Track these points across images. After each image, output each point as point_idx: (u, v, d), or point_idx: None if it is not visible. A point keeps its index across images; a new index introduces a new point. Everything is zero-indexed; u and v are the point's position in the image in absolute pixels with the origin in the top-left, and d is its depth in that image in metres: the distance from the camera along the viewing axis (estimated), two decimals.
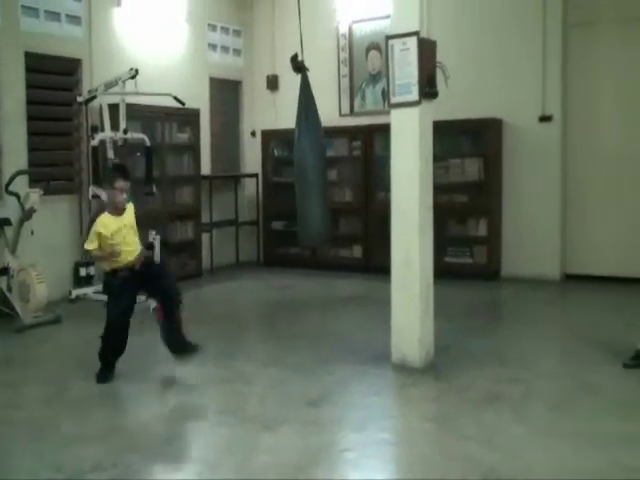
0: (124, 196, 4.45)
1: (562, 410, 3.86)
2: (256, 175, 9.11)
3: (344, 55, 8.80)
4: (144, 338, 4.97)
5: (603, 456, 3.24)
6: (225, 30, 9.05)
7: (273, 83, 9.17)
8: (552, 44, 7.43)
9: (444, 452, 3.37)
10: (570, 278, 7.52)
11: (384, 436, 3.58)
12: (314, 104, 5.93)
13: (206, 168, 8.59)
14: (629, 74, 7.17)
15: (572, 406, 3.91)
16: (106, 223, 4.44)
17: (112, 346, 4.44)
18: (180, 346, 4.44)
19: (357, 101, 8.78)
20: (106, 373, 4.43)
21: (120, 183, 4.43)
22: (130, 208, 4.56)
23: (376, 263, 7.72)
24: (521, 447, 3.38)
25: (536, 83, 7.48)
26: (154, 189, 7.00)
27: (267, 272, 8.56)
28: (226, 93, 9.27)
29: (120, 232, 4.44)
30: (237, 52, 9.32)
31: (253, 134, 9.37)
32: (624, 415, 3.76)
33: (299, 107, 5.85)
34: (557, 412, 3.83)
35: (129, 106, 6.89)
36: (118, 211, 4.48)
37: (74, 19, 7.11)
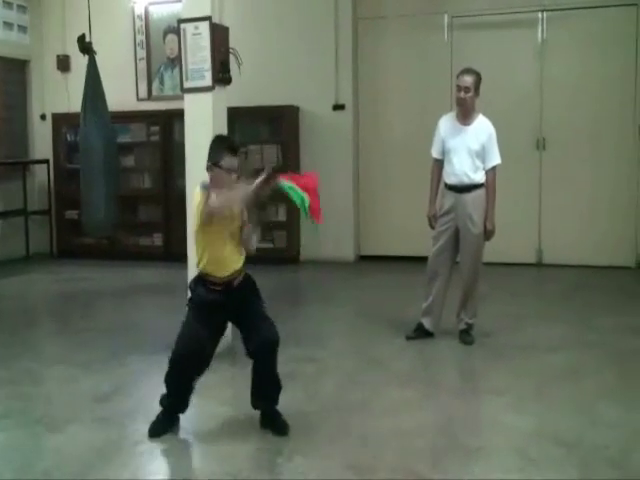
0: (234, 178, 3.23)
1: (350, 384, 4.08)
2: (47, 161, 8.57)
3: (140, 37, 8.52)
4: None
5: (383, 423, 3.48)
6: (8, 5, 8.39)
7: (64, 64, 8.65)
8: (343, 36, 7.75)
9: (237, 435, 3.40)
10: (363, 259, 7.96)
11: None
12: (101, 87, 5.70)
13: None
14: (413, 64, 7.68)
15: (359, 379, 4.16)
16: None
17: (170, 389, 3.39)
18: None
19: (155, 85, 8.56)
20: (156, 423, 3.40)
21: (228, 161, 3.22)
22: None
23: (177, 251, 7.54)
24: (312, 423, 3.51)
25: (329, 73, 7.77)
26: None
27: (61, 264, 8.11)
28: (11, 73, 8.61)
29: (218, 228, 3.21)
30: (23, 29, 8.67)
31: (43, 117, 8.79)
32: (403, 383, 4.07)
33: (85, 90, 5.60)
34: (347, 386, 4.04)
35: None
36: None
37: None
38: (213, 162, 3.24)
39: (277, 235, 7.89)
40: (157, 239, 8.21)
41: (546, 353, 4.55)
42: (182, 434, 3.47)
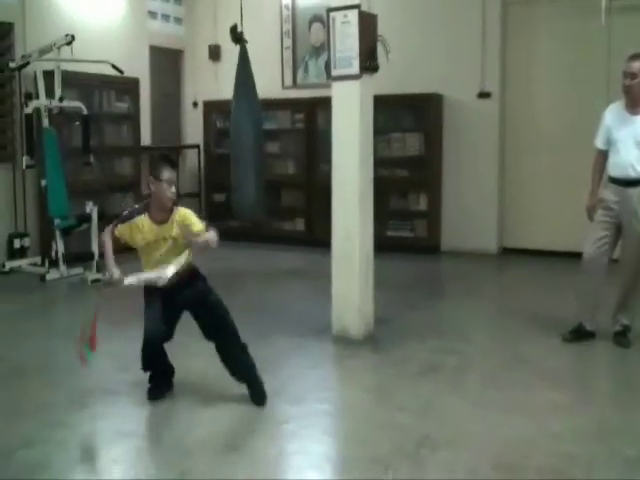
0: (172, 190, 3.51)
1: (496, 381, 3.96)
2: (198, 146, 8.99)
3: (287, 27, 8.70)
4: None
5: (532, 424, 3.35)
6: None
7: (215, 53, 9.02)
8: (491, 20, 7.50)
9: (380, 422, 3.42)
10: (507, 252, 7.70)
11: (322, 407, 3.61)
12: (252, 76, 5.86)
13: (146, 139, 8.42)
14: (567, 51, 7.30)
15: (505, 377, 4.02)
16: (140, 229, 3.53)
17: (146, 360, 3.70)
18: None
19: (300, 73, 8.72)
20: (151, 388, 3.73)
21: (167, 174, 3.51)
22: (182, 215, 3.55)
23: (319, 236, 7.71)
24: (455, 416, 3.47)
25: (475, 59, 7.55)
26: (91, 159, 6.84)
27: None
28: (167, 62, 9.07)
29: (157, 246, 3.55)
30: (178, 21, 9.11)
31: (195, 105, 9.22)
32: (553, 385, 3.89)
33: (237, 79, 5.78)
34: (491, 383, 3.93)
35: (65, 73, 6.68)
36: (164, 213, 3.53)
37: None
38: (154, 176, 3.51)
39: (418, 224, 7.82)
40: (299, 224, 8.39)
41: None
42: (322, 417, 3.53)
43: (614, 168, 4.44)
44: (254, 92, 5.99)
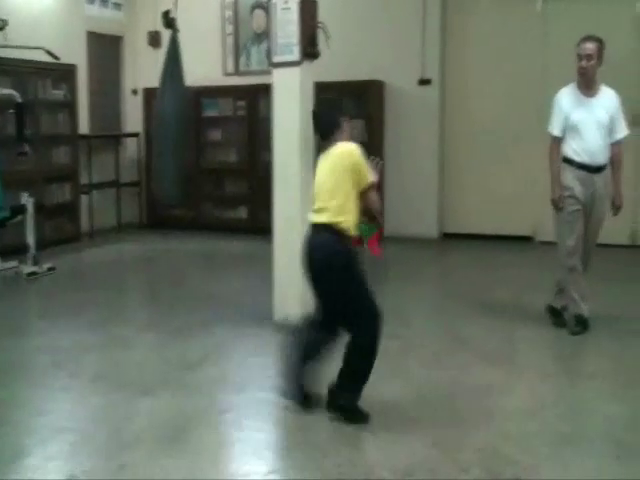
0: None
1: (436, 363, 4.03)
2: (138, 135, 8.82)
3: (229, 13, 8.60)
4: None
5: (472, 404, 3.43)
6: None
7: (155, 40, 8.84)
8: (431, 7, 7.58)
9: (322, 409, 3.43)
10: (447, 237, 7.83)
11: (263, 395, 3.60)
12: (180, 62, 5.75)
13: (84, 127, 8.21)
14: (504, 37, 7.43)
15: (446, 359, 4.10)
16: None
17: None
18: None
19: (242, 60, 8.64)
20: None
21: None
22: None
23: (262, 224, 7.67)
24: (397, 400, 3.51)
25: (416, 46, 7.62)
26: (27, 148, 6.64)
27: (150, 234, 8.37)
28: (106, 49, 8.85)
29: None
30: (117, 6, 8.89)
31: (135, 92, 9.04)
32: (491, 365, 3.98)
33: (164, 64, 5.68)
34: (432, 365, 4.00)
35: None
36: None
37: None
38: (349, 115, 3.58)
39: None
40: (242, 212, 8.35)
41: None
42: (264, 406, 3.53)
43: (581, 154, 4.33)
44: (181, 80, 5.88)
